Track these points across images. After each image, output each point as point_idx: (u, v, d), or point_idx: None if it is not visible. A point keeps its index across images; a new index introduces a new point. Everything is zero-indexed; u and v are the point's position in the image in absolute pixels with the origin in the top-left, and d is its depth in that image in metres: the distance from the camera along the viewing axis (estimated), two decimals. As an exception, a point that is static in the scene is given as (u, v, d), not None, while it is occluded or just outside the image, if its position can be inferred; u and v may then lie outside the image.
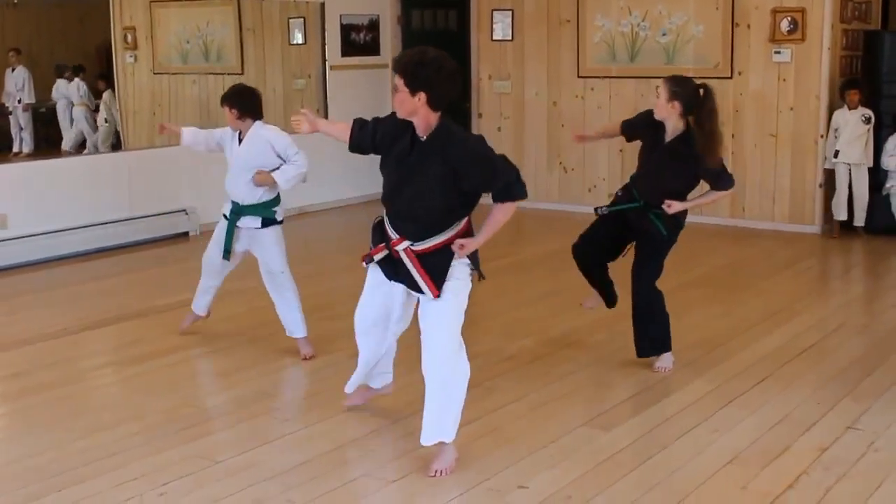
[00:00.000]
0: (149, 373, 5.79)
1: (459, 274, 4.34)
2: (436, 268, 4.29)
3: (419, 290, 4.34)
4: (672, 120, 5.50)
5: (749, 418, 5.01)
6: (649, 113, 5.66)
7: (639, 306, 5.76)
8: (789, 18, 9.51)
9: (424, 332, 4.36)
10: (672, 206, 5.50)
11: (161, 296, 7.42)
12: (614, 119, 10.40)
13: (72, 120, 13.39)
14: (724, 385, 5.47)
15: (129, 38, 13.33)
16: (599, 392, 5.45)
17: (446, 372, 4.34)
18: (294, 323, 6.01)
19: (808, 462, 4.48)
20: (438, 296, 4.28)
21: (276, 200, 6.02)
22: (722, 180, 5.59)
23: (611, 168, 10.58)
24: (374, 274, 4.56)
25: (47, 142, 14.57)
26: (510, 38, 11.07)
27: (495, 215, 4.30)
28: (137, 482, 4.32)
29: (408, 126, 4.23)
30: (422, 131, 4.20)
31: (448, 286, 4.30)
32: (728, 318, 6.79)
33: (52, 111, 15.53)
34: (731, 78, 9.82)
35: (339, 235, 10.27)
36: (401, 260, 4.34)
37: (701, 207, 5.66)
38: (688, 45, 10.02)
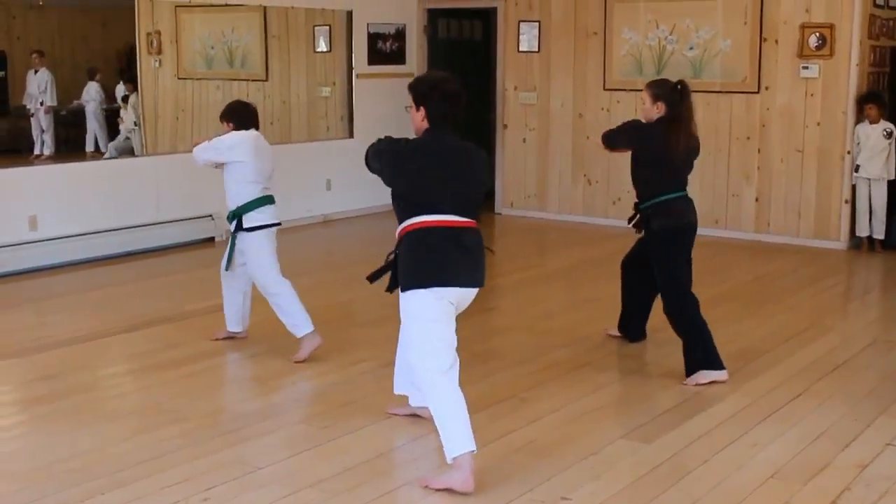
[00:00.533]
0: (183, 378, 5.80)
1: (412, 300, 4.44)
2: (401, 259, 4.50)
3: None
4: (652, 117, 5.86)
5: (787, 433, 5.00)
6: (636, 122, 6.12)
7: (672, 322, 5.83)
8: (818, 34, 9.51)
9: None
10: None
11: (189, 300, 7.44)
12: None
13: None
14: (760, 399, 5.47)
15: (155, 42, 13.37)
16: (636, 404, 5.45)
17: (422, 377, 4.51)
18: (292, 325, 6.13)
19: (849, 479, 4.47)
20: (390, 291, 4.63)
21: (254, 204, 6.10)
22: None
23: (635, 180, 10.57)
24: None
25: (67, 144, 14.64)
26: (537, 49, 11.09)
27: None
28: (181, 486, 4.33)
29: None
30: None
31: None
32: (759, 333, 6.79)
33: (74, 114, 15.60)
34: (758, 93, 9.83)
35: (362, 243, 10.28)
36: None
37: None
38: (715, 59, 10.02)
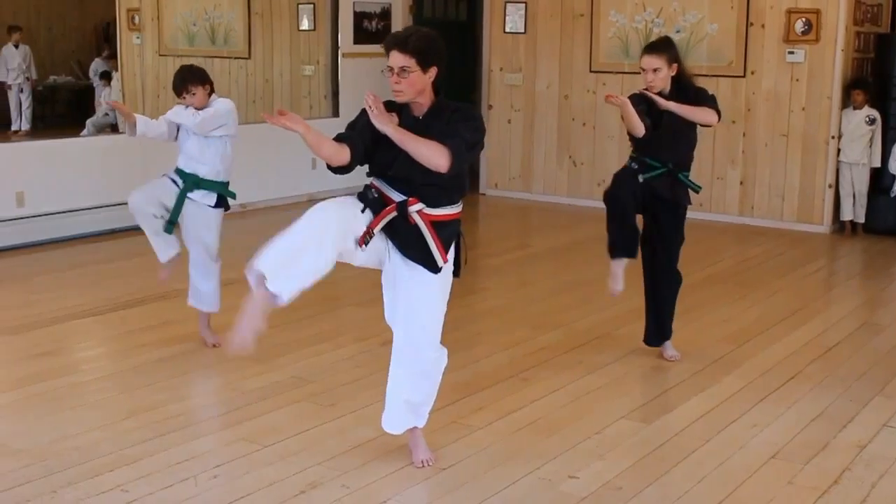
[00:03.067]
0: (182, 354, 5.79)
1: (450, 263, 4.24)
2: (447, 237, 4.15)
3: (419, 260, 4.11)
4: (668, 83, 5.49)
5: (786, 414, 5.06)
6: (641, 95, 5.50)
7: (666, 289, 5.88)
8: (804, 19, 9.57)
9: (411, 312, 4.20)
10: (659, 102, 5.43)
11: (181, 279, 7.37)
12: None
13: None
14: (756, 381, 5.53)
15: (136, 18, 13.25)
16: (635, 385, 5.49)
17: (432, 354, 4.28)
18: (213, 296, 5.99)
19: (849, 459, 4.53)
20: (445, 263, 4.14)
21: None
22: (716, 105, 5.61)
23: (621, 163, 10.60)
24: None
25: (43, 120, 14.52)
26: (523, 30, 11.09)
27: (420, 141, 3.93)
28: (189, 463, 4.33)
29: (400, 108, 4.08)
30: (418, 111, 4.08)
31: (444, 268, 4.17)
32: (749, 315, 6.86)
33: (49, 90, 15.47)
34: (744, 77, 9.89)
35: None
36: (409, 225, 4.06)
37: (688, 113, 5.45)
38: (701, 42, 10.07)
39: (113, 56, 13.61)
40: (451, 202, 4.14)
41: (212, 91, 5.77)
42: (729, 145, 10.07)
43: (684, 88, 5.52)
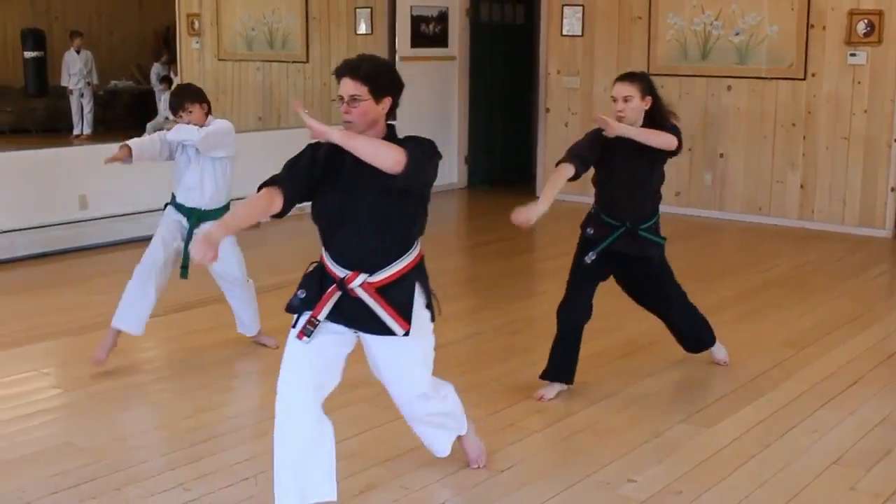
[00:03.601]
0: (240, 356, 5.86)
1: (420, 313, 3.88)
2: (400, 300, 3.77)
3: (382, 332, 3.79)
4: (640, 115, 5.05)
5: (847, 420, 5.00)
6: (597, 132, 5.03)
7: (680, 316, 5.57)
8: (866, 21, 9.45)
9: (396, 381, 4.00)
10: (610, 126, 4.87)
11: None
12: (683, 117, 10.42)
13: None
14: (817, 386, 5.47)
15: (196, 24, 13.42)
16: (692, 390, 5.46)
17: (436, 401, 4.11)
18: (253, 319, 5.95)
19: (912, 466, 4.48)
20: (408, 330, 3.77)
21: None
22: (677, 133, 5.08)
23: (678, 165, 10.58)
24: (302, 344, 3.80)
25: (104, 124, 14.75)
26: (580, 33, 11.07)
27: (375, 142, 3.65)
28: (249, 463, 4.39)
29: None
30: None
31: (414, 322, 3.81)
32: (809, 320, 6.77)
33: (110, 94, 15.70)
34: (804, 79, 9.78)
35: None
36: (356, 301, 3.74)
37: (642, 137, 4.93)
38: (761, 45, 9.97)
39: (172, 60, 13.81)
40: (399, 255, 3.79)
41: (209, 111, 5.65)
42: (789, 148, 9.96)
43: (658, 124, 5.04)
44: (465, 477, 4.29)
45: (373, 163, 3.57)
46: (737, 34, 10.07)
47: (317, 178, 3.73)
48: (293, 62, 12.50)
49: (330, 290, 3.74)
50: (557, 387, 5.25)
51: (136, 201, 8.82)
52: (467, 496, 4.12)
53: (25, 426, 4.83)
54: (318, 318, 3.72)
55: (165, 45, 15.25)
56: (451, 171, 11.90)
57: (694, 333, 5.62)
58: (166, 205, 5.79)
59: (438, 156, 3.79)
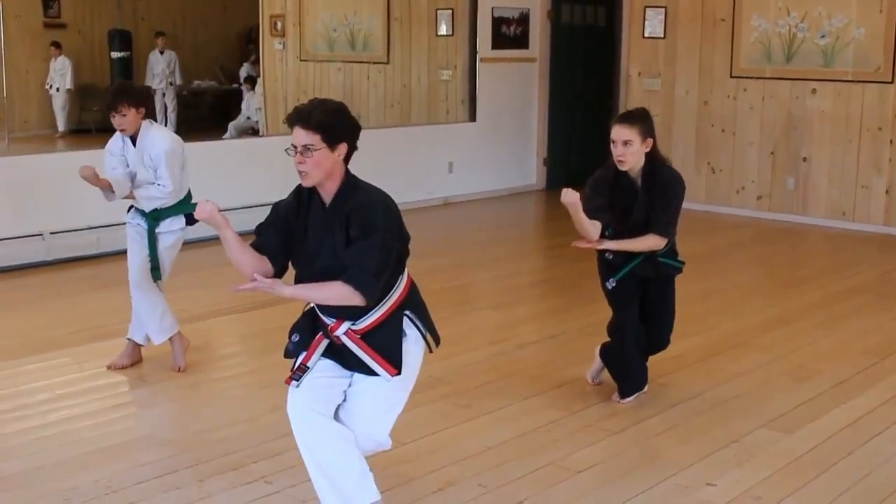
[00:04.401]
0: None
1: (412, 356, 3.77)
2: (386, 345, 3.69)
3: (372, 374, 3.71)
4: (641, 158, 4.93)
5: (933, 429, 4.91)
6: (605, 174, 5.04)
7: (658, 348, 5.34)
8: (957, 23, 9.26)
9: (362, 414, 3.75)
10: (605, 245, 4.94)
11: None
12: (766, 120, 10.30)
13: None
14: (901, 394, 5.38)
15: (279, 25, 13.58)
16: (774, 394, 5.39)
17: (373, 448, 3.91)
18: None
19: None
20: (397, 373, 3.69)
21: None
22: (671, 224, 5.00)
23: (761, 169, 10.46)
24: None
25: (187, 124, 14.98)
26: (662, 35, 10.99)
27: (324, 288, 3.58)
28: (329, 458, 4.43)
29: (309, 194, 3.69)
30: (328, 193, 3.65)
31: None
32: (894, 327, 6.65)
33: (193, 94, 15.96)
34: (892, 83, 9.60)
35: (483, 226, 10.33)
36: (345, 347, 3.70)
37: (628, 247, 4.97)
38: (847, 47, 9.82)
39: (256, 62, 13.97)
40: (380, 299, 3.66)
41: (147, 115, 5.37)
42: (875, 153, 9.79)
43: (657, 168, 4.94)
44: (543, 476, 4.30)
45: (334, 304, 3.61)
46: (822, 37, 9.92)
47: (285, 232, 3.72)
48: (374, 63, 12.60)
49: (318, 337, 3.74)
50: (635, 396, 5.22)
51: (218, 200, 8.90)
52: (545, 496, 4.12)
53: (111, 417, 4.94)
54: (308, 364, 3.70)
55: (248, 46, 15.45)
56: (529, 172, 11.91)
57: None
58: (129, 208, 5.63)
59: (389, 247, 3.59)
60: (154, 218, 5.52)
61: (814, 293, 7.50)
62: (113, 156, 5.49)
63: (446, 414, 4.98)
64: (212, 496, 4.08)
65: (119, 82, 5.58)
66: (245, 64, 14.88)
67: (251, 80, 13.81)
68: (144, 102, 5.37)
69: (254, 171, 9.33)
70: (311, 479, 3.72)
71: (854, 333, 6.47)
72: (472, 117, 11.43)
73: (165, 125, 14.57)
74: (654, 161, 4.95)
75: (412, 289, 3.82)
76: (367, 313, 3.64)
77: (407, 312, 3.76)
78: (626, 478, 4.30)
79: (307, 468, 3.72)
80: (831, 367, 5.76)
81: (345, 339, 3.67)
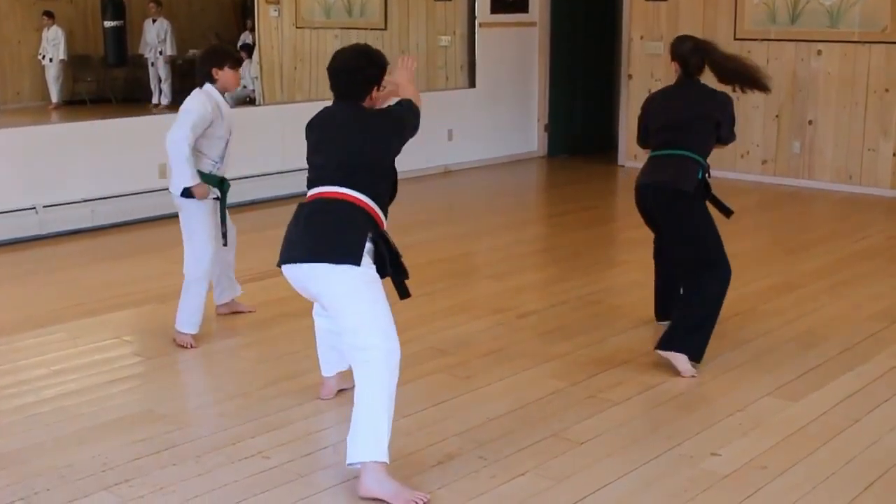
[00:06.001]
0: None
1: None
2: None
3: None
4: None
5: (942, 395, 4.84)
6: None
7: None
8: (964, -19, 9.10)
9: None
10: None
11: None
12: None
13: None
14: (909, 360, 5.30)
15: (274, -9, 13.41)
16: (779, 362, 5.30)
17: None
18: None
19: None
20: None
21: None
22: None
23: (766, 133, 10.34)
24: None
25: (182, 94, 14.83)
26: (665, -2, 10.85)
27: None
28: (328, 432, 4.39)
29: None
30: None
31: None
32: (904, 291, 6.58)
33: (189, 63, 15.77)
34: (898, 43, 9.48)
35: (484, 194, 10.23)
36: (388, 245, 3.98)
37: None
38: (853, 7, 9.66)
39: (253, 29, 13.81)
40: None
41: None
42: (881, 115, 9.66)
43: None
44: (545, 447, 4.22)
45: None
46: (828, -2, 9.78)
47: None
48: (372, 29, 12.43)
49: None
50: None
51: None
52: (547, 467, 4.05)
53: (107, 393, 4.87)
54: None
55: (243, 14, 15.28)
56: (530, 138, 11.78)
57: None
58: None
59: None
60: (222, 182, 5.61)
61: (820, 258, 7.40)
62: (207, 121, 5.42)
63: (447, 385, 4.91)
64: (209, 472, 4.01)
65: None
66: (245, 31, 14.72)
67: (247, 49, 13.65)
68: (237, 61, 5.56)
69: (251, 140, 9.20)
70: (366, 409, 3.75)
71: (861, 299, 6.37)
72: (472, 83, 11.30)
73: (160, 95, 14.50)
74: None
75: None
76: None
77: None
78: (629, 448, 4.23)
79: (368, 397, 3.74)
80: (838, 334, 5.68)
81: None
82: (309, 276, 3.88)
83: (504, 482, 3.93)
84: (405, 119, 4.07)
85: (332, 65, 4.04)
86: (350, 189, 3.86)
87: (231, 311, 6.02)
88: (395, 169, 4.05)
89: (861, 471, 4.04)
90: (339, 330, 3.97)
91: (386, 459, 3.75)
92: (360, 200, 3.86)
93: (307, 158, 4.05)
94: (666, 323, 5.45)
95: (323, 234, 3.84)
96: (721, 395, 4.82)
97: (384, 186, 3.97)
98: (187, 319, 5.47)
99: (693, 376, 4.98)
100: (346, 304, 3.83)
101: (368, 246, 3.85)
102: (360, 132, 3.94)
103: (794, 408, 4.68)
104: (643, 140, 5.51)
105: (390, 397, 3.77)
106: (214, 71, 5.46)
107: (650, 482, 3.96)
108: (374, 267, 3.88)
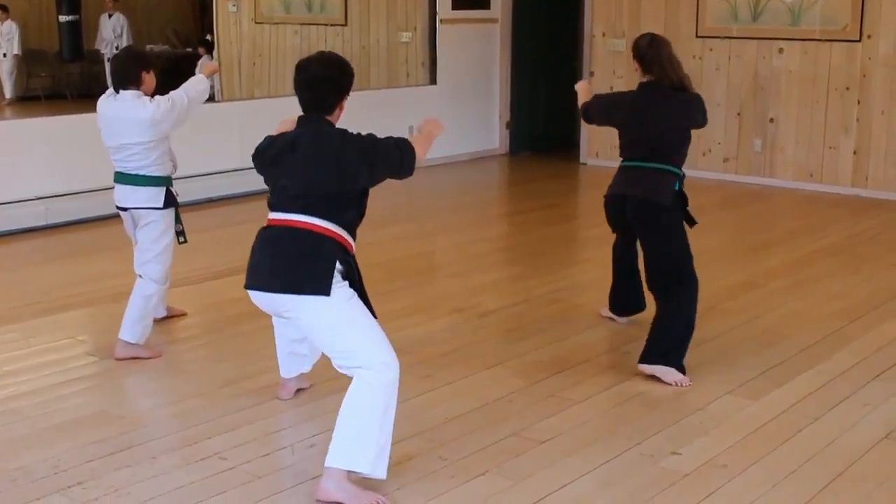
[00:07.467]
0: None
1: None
2: None
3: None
4: None
5: (900, 393, 4.85)
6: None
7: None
8: (924, -20, 9.16)
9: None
10: None
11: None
12: (732, 80, 10.21)
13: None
14: (869, 358, 5.30)
15: (233, -14, 13.31)
16: (739, 360, 5.29)
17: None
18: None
19: (970, 441, 4.31)
20: None
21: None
22: None
23: (727, 131, 10.37)
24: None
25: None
26: (626, -6, 10.85)
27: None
28: (286, 432, 4.35)
29: None
30: None
31: None
32: (862, 290, 6.58)
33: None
34: (859, 41, 9.50)
35: (444, 192, 10.18)
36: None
37: None
38: (814, 5, 9.69)
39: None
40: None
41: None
42: (842, 113, 9.71)
43: None
44: (505, 447, 4.19)
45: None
46: (788, -5, 9.82)
47: None
48: (332, 25, 12.37)
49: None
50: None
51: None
52: (507, 467, 4.01)
53: (61, 394, 4.78)
54: None
55: (202, 10, 15.16)
56: (492, 136, 11.74)
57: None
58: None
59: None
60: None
61: (781, 256, 7.43)
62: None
63: (406, 385, 4.76)
64: (165, 473, 3.95)
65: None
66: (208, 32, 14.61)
67: (206, 45, 13.53)
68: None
69: (210, 137, 9.11)
70: (354, 418, 3.72)
71: (821, 297, 6.39)
72: (433, 80, 11.24)
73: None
74: None
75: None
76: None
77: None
78: (590, 447, 4.20)
79: (357, 406, 3.72)
80: (798, 332, 5.68)
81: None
82: (277, 304, 3.79)
83: (464, 482, 3.89)
84: (380, 149, 3.87)
85: (302, 77, 3.82)
86: (317, 219, 3.73)
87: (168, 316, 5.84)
88: (366, 196, 3.90)
89: (820, 469, 4.04)
90: (326, 352, 3.91)
91: (366, 471, 3.68)
92: (328, 230, 3.73)
93: (270, 178, 3.88)
94: (624, 319, 5.60)
95: (289, 265, 3.72)
96: (681, 393, 4.80)
97: (353, 214, 3.85)
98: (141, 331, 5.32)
99: (690, 384, 4.92)
100: (328, 335, 3.77)
101: (339, 266, 3.75)
102: (325, 160, 3.73)
103: (754, 406, 4.67)
104: (590, 118, 5.60)
105: (385, 411, 3.70)
106: (143, 74, 5.32)
107: (611, 481, 3.94)
108: (346, 283, 3.79)
